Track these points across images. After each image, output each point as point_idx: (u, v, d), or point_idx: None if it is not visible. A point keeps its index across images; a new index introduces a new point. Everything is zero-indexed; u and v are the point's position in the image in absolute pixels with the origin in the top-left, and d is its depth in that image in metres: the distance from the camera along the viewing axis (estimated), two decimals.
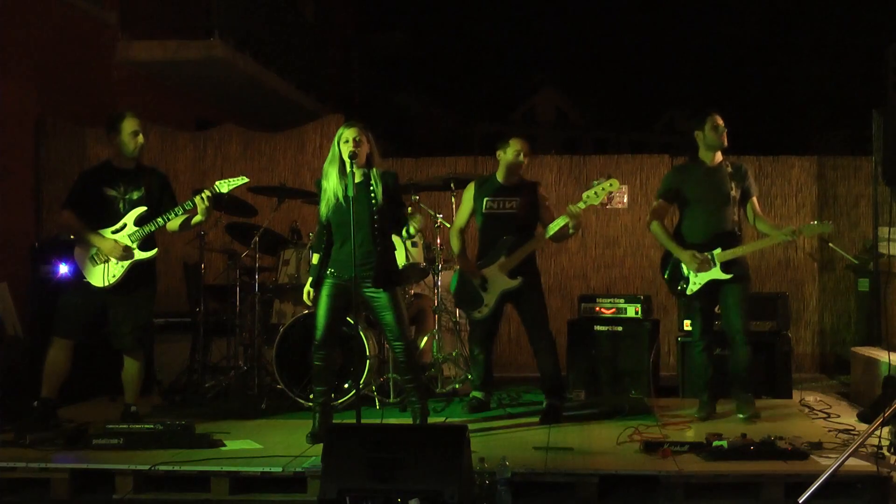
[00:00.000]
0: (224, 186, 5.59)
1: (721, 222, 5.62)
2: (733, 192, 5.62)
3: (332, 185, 5.12)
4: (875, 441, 4.94)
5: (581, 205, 5.78)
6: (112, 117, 5.65)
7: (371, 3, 21.70)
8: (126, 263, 5.50)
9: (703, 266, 5.57)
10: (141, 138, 5.60)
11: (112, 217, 5.54)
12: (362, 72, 19.34)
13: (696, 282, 5.64)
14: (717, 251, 5.57)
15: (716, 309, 5.83)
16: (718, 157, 5.71)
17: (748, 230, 6.05)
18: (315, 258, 5.32)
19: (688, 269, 5.65)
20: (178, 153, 8.73)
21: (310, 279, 5.32)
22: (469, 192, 6.12)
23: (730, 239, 5.62)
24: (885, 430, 5.03)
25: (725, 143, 5.67)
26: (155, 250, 5.62)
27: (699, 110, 5.75)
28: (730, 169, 5.68)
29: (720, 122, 5.65)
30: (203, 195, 5.49)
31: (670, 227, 5.94)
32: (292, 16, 13.32)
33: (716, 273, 5.58)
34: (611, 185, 5.79)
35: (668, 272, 5.82)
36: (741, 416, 5.71)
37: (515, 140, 5.98)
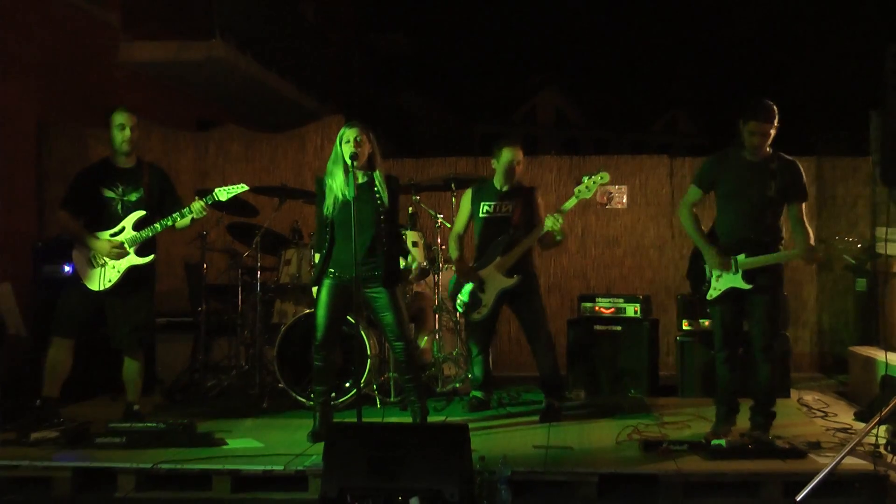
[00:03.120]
0: (223, 195, 5.59)
1: (751, 225, 5.08)
2: (771, 193, 5.03)
3: (338, 184, 5.12)
4: (872, 440, 4.97)
5: (573, 200, 5.80)
6: (107, 112, 5.65)
7: (371, 4, 21.69)
8: (122, 268, 5.51)
9: (724, 266, 5.09)
10: (128, 132, 5.55)
11: (110, 219, 5.55)
12: (363, 72, 19.37)
13: (717, 287, 5.16)
14: (741, 257, 5.07)
15: (742, 316, 5.26)
16: (766, 150, 5.09)
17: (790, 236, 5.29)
18: (317, 257, 5.33)
19: (709, 269, 5.20)
20: (179, 153, 8.74)
21: (314, 278, 5.36)
22: (467, 198, 6.16)
23: (757, 245, 5.08)
24: (883, 428, 5.04)
25: (759, 153, 5.06)
26: (151, 256, 5.61)
27: (750, 106, 5.01)
28: (775, 165, 5.06)
29: (762, 131, 4.99)
30: (205, 202, 5.52)
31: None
32: (293, 17, 13.34)
33: (737, 281, 5.09)
34: (601, 177, 5.79)
35: (690, 270, 5.40)
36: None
37: (508, 149, 5.99)
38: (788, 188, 5.10)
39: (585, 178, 5.81)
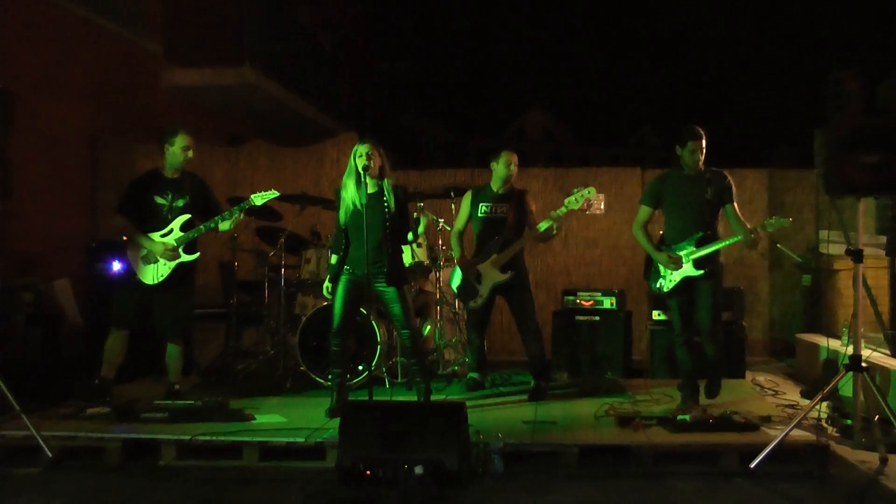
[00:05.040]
0: (258, 200, 5.62)
1: (695, 224, 5.30)
2: (708, 196, 5.28)
3: (349, 194, 5.16)
4: (816, 414, 5.00)
5: (563, 209, 5.83)
6: (167, 131, 5.66)
7: (381, 34, 21.70)
8: (172, 264, 5.54)
9: (675, 265, 5.31)
10: (191, 153, 5.63)
11: (160, 222, 5.58)
12: (373, 94, 19.35)
13: (671, 279, 5.35)
14: (690, 248, 5.29)
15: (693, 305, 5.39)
16: (699, 165, 5.34)
17: (728, 232, 5.47)
18: (333, 258, 5.35)
19: (664, 268, 5.38)
20: (214, 165, 8.75)
21: (328, 276, 5.37)
22: (466, 200, 6.17)
23: (702, 239, 5.29)
24: (825, 405, 5.08)
25: (698, 167, 5.31)
26: (197, 254, 5.67)
27: (687, 131, 5.31)
28: (708, 176, 5.33)
29: (700, 147, 5.28)
30: (242, 206, 5.57)
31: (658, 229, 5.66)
32: (313, 46, 13.35)
33: (689, 270, 5.29)
34: (588, 191, 5.84)
35: (647, 272, 5.55)
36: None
37: (506, 153, 6.04)
38: (722, 192, 5.35)
39: (575, 191, 5.84)
